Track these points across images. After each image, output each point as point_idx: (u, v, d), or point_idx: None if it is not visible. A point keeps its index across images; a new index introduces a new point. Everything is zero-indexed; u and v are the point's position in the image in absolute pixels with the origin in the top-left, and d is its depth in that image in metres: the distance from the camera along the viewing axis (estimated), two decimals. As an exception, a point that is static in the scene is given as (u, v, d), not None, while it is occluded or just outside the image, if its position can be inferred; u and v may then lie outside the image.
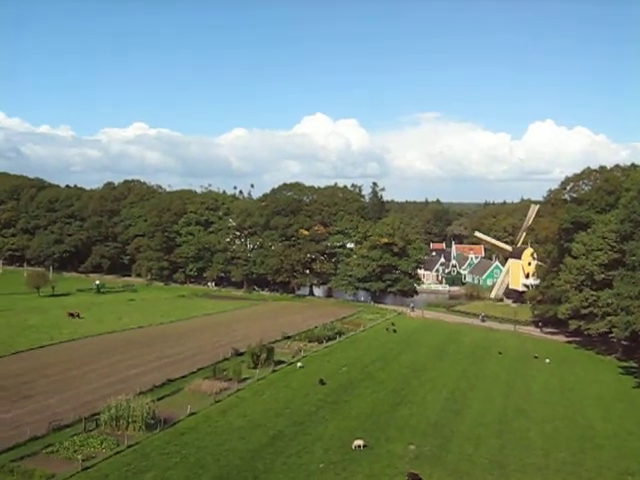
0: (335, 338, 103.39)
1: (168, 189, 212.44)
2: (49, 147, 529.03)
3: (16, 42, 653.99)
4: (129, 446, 51.74)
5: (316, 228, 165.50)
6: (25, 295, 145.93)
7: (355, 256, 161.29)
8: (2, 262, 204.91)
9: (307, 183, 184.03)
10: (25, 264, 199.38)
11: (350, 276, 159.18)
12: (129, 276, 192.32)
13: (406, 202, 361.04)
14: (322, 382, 74.29)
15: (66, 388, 68.69)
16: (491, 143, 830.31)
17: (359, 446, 52.87)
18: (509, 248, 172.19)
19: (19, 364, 79.26)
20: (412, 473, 46.62)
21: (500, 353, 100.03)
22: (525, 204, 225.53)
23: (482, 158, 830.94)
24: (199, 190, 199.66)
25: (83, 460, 47.57)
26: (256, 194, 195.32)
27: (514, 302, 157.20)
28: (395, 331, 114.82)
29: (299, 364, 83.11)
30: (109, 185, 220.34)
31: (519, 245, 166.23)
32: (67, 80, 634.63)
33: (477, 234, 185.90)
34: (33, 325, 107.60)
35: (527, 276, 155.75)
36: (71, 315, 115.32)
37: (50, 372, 75.25)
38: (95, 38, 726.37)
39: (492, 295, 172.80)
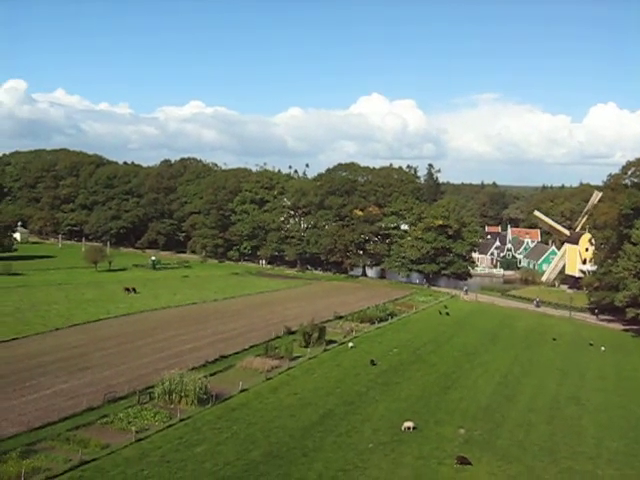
0: (387, 319, 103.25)
1: (224, 167, 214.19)
2: (108, 124, 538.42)
3: (77, 21, 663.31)
4: (181, 420, 52.66)
5: (370, 209, 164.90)
6: (83, 269, 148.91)
7: (409, 238, 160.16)
8: (61, 237, 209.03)
9: (362, 163, 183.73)
10: (83, 239, 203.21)
11: (404, 258, 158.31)
12: (184, 253, 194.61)
13: (462, 184, 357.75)
14: (373, 363, 74.40)
15: (121, 361, 70.12)
16: (550, 126, 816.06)
17: (408, 428, 52.89)
18: (567, 232, 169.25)
19: (76, 336, 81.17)
20: (461, 457, 46.51)
21: (554, 339, 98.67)
22: (584, 188, 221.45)
23: (541, 141, 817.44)
24: (254, 169, 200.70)
25: (137, 432, 48.69)
26: (311, 174, 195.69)
27: (570, 288, 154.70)
28: (448, 314, 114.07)
29: (350, 344, 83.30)
30: (166, 162, 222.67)
31: (577, 230, 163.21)
32: (126, 58, 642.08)
33: (536, 213, 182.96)
34: (90, 299, 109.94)
35: (584, 262, 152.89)
36: (127, 290, 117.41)
37: (106, 345, 76.89)
38: (155, 17, 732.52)
39: (544, 279, 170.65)
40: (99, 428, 50.05)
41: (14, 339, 78.07)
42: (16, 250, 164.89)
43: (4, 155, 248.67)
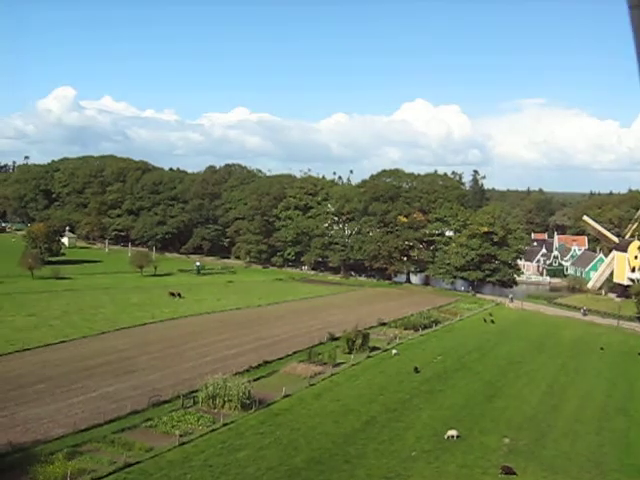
0: (431, 326, 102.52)
1: (268, 173, 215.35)
2: (154, 131, 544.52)
3: (125, 29, 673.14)
4: (225, 424, 52.86)
5: (415, 215, 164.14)
6: (129, 274, 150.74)
7: (454, 244, 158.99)
8: (108, 242, 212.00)
9: (407, 170, 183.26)
10: (129, 244, 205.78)
11: (448, 264, 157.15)
12: (228, 258, 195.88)
13: (507, 191, 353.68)
14: (417, 370, 73.88)
15: (166, 365, 70.72)
16: (598, 131, 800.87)
17: (452, 436, 52.35)
18: (615, 239, 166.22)
19: (122, 340, 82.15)
20: (506, 466, 45.86)
21: (602, 349, 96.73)
22: (633, 195, 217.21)
23: (588, 146, 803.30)
24: (298, 175, 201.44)
25: (180, 435, 48.97)
26: (355, 180, 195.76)
27: (618, 296, 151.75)
28: (493, 322, 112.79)
29: (394, 351, 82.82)
30: (210, 168, 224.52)
31: (627, 237, 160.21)
32: (172, 65, 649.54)
33: (585, 219, 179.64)
34: (136, 303, 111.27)
35: (633, 270, 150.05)
36: (172, 295, 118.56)
37: (151, 349, 77.67)
38: (202, 26, 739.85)
39: (589, 285, 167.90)
40: (143, 431, 50.51)
41: (62, 342, 79.35)
42: (64, 255, 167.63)
43: (53, 161, 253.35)
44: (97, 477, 41.70)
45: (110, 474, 42.28)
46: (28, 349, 74.85)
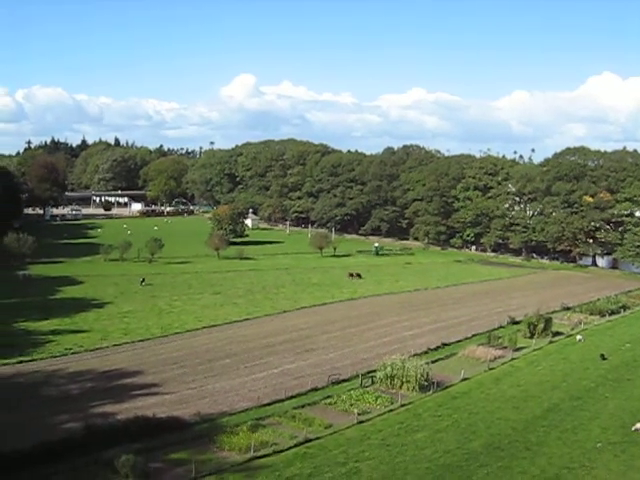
0: (619, 312, 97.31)
1: (446, 154, 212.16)
2: (332, 113, 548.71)
3: (306, 19, 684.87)
4: (402, 405, 53.08)
5: (601, 195, 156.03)
6: (309, 255, 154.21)
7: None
8: (289, 223, 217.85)
9: (592, 147, 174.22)
10: (309, 225, 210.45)
11: (639, 247, 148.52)
12: (406, 239, 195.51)
13: None
14: (603, 357, 70.45)
15: (345, 344, 71.90)
16: None
17: (642, 428, 49.58)
18: None
19: (303, 319, 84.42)
20: None
21: None
22: None
23: None
24: (478, 155, 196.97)
25: (359, 414, 49.77)
26: (537, 159, 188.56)
27: None
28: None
29: (578, 337, 79.48)
30: (388, 150, 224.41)
31: None
32: (347, 50, 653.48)
33: None
34: (316, 283, 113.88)
35: None
36: (351, 275, 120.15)
37: (331, 328, 79.21)
38: (379, 17, 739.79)
39: None
40: (323, 408, 51.72)
41: (246, 319, 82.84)
42: (247, 236, 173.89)
43: (236, 146, 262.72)
44: (279, 450, 43.23)
45: (291, 448, 43.71)
46: (215, 326, 78.81)
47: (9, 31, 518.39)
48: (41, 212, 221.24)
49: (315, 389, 55.70)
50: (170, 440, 43.51)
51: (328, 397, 53.84)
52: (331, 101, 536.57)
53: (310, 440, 44.98)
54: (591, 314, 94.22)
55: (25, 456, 38.81)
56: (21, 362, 60.68)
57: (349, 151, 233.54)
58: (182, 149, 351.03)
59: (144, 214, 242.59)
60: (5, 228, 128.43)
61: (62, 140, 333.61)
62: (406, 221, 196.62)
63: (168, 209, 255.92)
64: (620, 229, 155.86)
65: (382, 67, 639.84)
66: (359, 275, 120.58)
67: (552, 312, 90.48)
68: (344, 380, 58.45)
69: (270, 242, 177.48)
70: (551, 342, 76.96)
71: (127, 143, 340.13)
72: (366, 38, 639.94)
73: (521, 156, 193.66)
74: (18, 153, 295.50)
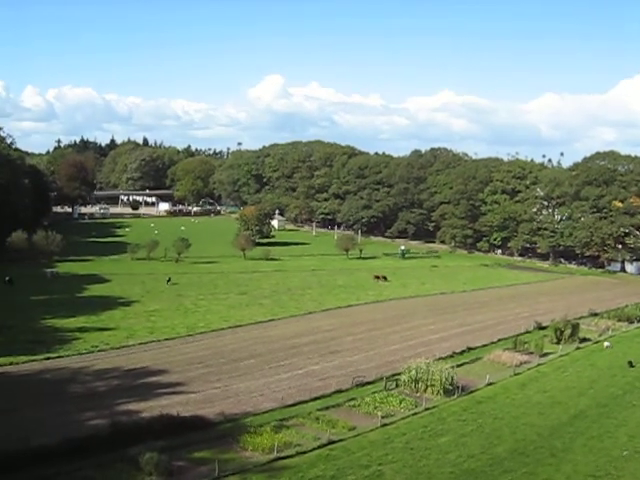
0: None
1: (474, 157, 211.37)
2: (359, 115, 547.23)
3: (333, 20, 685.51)
4: (426, 409, 52.88)
5: (631, 200, 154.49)
6: (335, 256, 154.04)
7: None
8: (315, 225, 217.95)
9: (623, 152, 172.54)
10: (336, 227, 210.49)
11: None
12: (433, 242, 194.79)
13: None
14: (631, 364, 69.64)
15: (370, 347, 71.78)
16: None
17: (670, 437, 48.92)
18: None
19: (328, 320, 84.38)
20: None
21: None
22: None
23: None
24: (506, 158, 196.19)
25: (383, 417, 49.65)
26: (566, 163, 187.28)
27: None
28: None
29: (606, 343, 78.65)
30: (416, 152, 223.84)
31: None
32: (376, 52, 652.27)
33: None
34: (341, 285, 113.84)
35: None
36: (377, 278, 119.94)
37: (355, 330, 79.10)
38: (405, 19, 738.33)
39: None
40: (347, 410, 51.67)
41: (271, 320, 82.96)
42: (274, 237, 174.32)
43: (264, 147, 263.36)
44: (302, 451, 43.23)
45: (314, 449, 43.68)
46: (240, 326, 79.01)
47: (41, 31, 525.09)
48: (70, 211, 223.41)
49: (339, 391, 55.63)
50: (194, 439, 43.68)
51: (352, 399, 53.76)
52: (359, 103, 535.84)
53: (333, 442, 44.92)
54: (619, 320, 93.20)
55: (51, 452, 39.20)
56: (48, 359, 61.22)
57: (376, 153, 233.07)
58: (210, 149, 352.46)
59: (171, 214, 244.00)
60: (34, 226, 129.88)
61: (91, 139, 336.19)
62: (433, 224, 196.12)
63: (195, 209, 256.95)
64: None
65: (411, 69, 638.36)
66: (385, 278, 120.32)
67: (579, 318, 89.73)
68: (368, 382, 58.32)
69: (296, 243, 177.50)
70: (578, 348, 76.26)
71: (155, 143, 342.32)
72: (395, 40, 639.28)
73: (550, 160, 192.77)
74: (48, 152, 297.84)
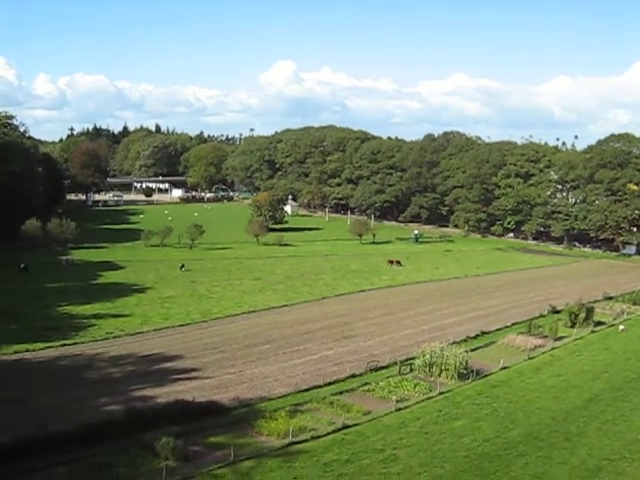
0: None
1: (487, 140, 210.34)
2: (371, 100, 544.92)
3: (347, 4, 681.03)
4: (441, 393, 52.88)
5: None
6: (348, 241, 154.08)
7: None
8: (328, 210, 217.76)
9: (637, 134, 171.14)
10: (349, 212, 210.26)
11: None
12: (446, 227, 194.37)
13: None
14: (646, 348, 69.55)
15: (383, 331, 71.80)
16: None
17: (685, 420, 48.75)
18: None
19: (342, 305, 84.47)
20: None
21: None
22: None
23: None
24: (519, 141, 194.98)
25: (397, 401, 49.65)
26: (580, 145, 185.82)
27: None
28: None
29: (621, 327, 78.34)
30: (428, 136, 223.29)
31: None
32: (387, 35, 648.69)
33: None
34: (355, 270, 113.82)
35: None
36: (390, 262, 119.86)
37: (369, 315, 79.14)
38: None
39: None
40: (361, 395, 51.74)
41: (284, 306, 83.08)
42: (287, 222, 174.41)
43: (276, 133, 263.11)
44: (317, 436, 43.34)
45: (329, 434, 43.77)
46: (254, 311, 79.24)
47: (53, 20, 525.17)
48: (83, 198, 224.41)
49: (353, 376, 55.69)
50: (209, 424, 43.89)
51: (366, 384, 53.81)
52: (371, 87, 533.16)
53: (348, 426, 45.03)
54: (634, 304, 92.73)
55: (68, 437, 39.50)
56: (64, 345, 61.64)
57: (389, 138, 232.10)
58: (222, 136, 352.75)
59: (184, 200, 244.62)
60: (48, 214, 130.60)
61: (104, 127, 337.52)
62: (446, 208, 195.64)
63: (208, 195, 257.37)
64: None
65: (423, 53, 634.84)
66: (399, 262, 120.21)
67: (594, 301, 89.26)
68: (382, 367, 58.33)
69: (309, 229, 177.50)
70: (593, 332, 75.97)
71: (168, 130, 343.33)
72: (407, 23, 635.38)
73: (564, 143, 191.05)
74: (61, 140, 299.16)
